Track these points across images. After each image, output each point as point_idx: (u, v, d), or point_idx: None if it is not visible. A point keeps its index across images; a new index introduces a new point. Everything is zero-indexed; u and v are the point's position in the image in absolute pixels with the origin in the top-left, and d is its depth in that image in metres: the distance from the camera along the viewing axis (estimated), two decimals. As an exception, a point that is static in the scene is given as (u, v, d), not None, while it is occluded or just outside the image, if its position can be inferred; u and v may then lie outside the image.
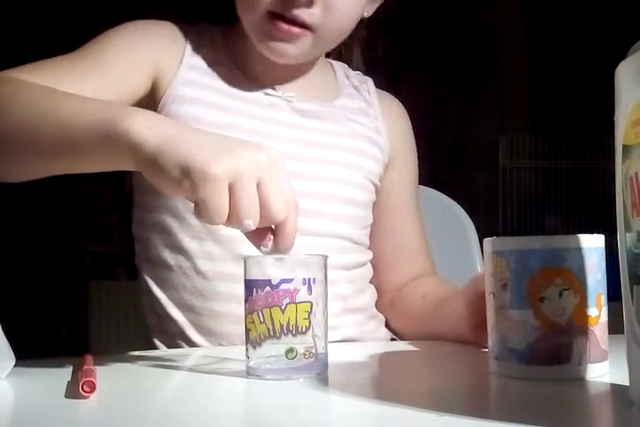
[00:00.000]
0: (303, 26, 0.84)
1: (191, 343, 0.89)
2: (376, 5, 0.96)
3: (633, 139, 0.46)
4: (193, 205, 0.59)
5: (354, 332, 0.92)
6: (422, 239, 1.05)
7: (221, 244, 0.87)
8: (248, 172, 0.58)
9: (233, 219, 0.58)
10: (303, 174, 0.91)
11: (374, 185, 0.99)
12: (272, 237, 0.62)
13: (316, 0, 0.83)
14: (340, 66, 1.05)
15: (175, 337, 0.89)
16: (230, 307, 0.87)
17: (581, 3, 2.95)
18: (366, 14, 0.94)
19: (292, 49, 0.87)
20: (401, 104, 1.09)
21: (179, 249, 0.89)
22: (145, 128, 0.61)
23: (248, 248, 0.86)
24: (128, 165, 0.63)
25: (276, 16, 0.84)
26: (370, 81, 1.06)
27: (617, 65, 0.48)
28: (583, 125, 2.68)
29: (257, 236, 0.62)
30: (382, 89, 1.08)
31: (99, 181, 2.80)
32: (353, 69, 1.07)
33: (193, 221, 0.87)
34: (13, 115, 0.69)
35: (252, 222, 0.59)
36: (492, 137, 2.94)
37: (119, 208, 2.82)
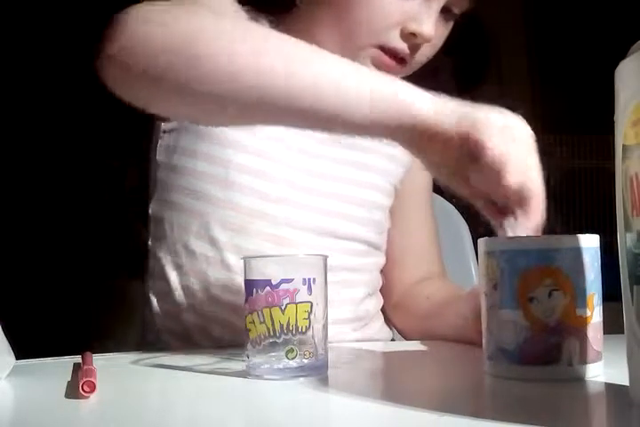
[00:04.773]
0: (403, 61, 0.86)
1: (204, 333, 0.87)
2: None
3: (633, 139, 0.46)
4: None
5: (356, 335, 0.92)
6: (433, 242, 1.05)
7: (252, 240, 0.86)
8: (524, 135, 0.62)
9: (500, 172, 0.60)
10: (337, 177, 0.92)
11: (395, 189, 0.99)
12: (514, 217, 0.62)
13: (432, 39, 0.84)
14: None
15: (186, 327, 0.88)
16: None
17: (582, 2, 2.95)
18: None
19: None
20: None
21: (207, 238, 0.87)
22: (423, 95, 0.62)
23: (276, 248, 0.86)
24: (397, 130, 0.62)
25: (386, 50, 0.85)
26: None
27: (617, 65, 0.48)
28: (583, 125, 2.68)
29: (499, 213, 0.63)
30: None
31: (99, 181, 2.80)
32: None
33: (227, 211, 0.86)
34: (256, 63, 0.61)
35: (517, 181, 0.60)
36: (492, 137, 2.93)
37: (120, 209, 2.82)
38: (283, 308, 0.58)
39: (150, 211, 0.93)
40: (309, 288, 0.59)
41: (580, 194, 2.84)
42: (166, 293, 0.90)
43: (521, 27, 3.17)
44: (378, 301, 1.00)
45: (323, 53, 0.64)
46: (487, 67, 3.17)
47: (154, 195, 0.93)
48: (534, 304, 0.57)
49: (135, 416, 0.49)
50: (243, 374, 0.60)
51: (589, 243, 0.58)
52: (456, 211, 1.26)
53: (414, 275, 1.02)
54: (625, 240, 0.47)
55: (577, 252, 0.57)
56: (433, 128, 0.61)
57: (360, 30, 0.85)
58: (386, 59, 0.85)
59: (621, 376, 0.51)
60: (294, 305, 0.58)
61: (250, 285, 0.60)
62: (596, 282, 0.58)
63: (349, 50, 0.84)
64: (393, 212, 1.01)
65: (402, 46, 0.85)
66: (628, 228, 0.47)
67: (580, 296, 0.57)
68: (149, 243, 0.93)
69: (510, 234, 0.62)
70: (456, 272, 1.18)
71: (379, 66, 0.85)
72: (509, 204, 0.62)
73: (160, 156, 0.92)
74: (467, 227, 1.24)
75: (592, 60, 2.56)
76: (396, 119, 0.61)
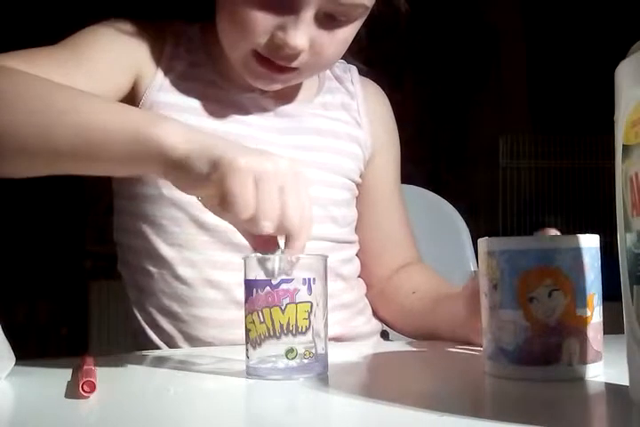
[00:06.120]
0: (288, 69, 0.84)
1: (176, 348, 0.88)
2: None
3: (633, 139, 0.46)
4: (214, 201, 0.60)
5: (340, 329, 0.92)
6: (406, 230, 1.05)
7: (199, 251, 0.88)
8: (273, 174, 0.59)
9: (252, 218, 0.59)
10: None
11: (354, 182, 0.99)
12: (280, 248, 0.62)
13: (303, 50, 0.82)
14: None
15: (156, 343, 0.89)
16: (212, 312, 0.87)
17: (581, 2, 2.95)
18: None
19: (276, 85, 0.88)
20: (382, 92, 1.07)
21: (157, 256, 0.89)
22: (176, 133, 0.62)
23: (226, 255, 0.87)
24: (151, 167, 0.63)
25: (261, 57, 0.83)
26: (354, 69, 1.05)
27: (617, 65, 0.48)
28: (583, 125, 2.68)
29: (263, 243, 0.62)
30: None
31: (99, 181, 2.79)
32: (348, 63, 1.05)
33: (170, 228, 0.88)
34: (24, 110, 0.67)
35: (269, 225, 0.59)
36: (492, 137, 2.94)
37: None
38: (283, 308, 0.58)
39: (114, 238, 0.96)
40: (309, 288, 0.59)
41: (580, 194, 2.85)
42: (132, 314, 0.92)
43: (521, 27, 3.17)
44: (357, 291, 0.99)
45: (89, 98, 0.70)
46: (487, 67, 3.17)
47: (115, 222, 0.96)
48: (534, 304, 0.57)
49: (135, 416, 0.49)
50: (243, 374, 0.60)
51: (589, 243, 0.58)
52: (456, 211, 1.26)
53: (393, 263, 1.02)
54: (625, 240, 0.47)
55: (577, 252, 0.57)
56: (183, 169, 0.61)
57: (233, 36, 0.85)
58: (257, 66, 0.84)
59: (621, 376, 0.51)
60: (294, 305, 0.58)
61: (250, 285, 0.60)
62: (596, 282, 0.58)
63: (236, 55, 0.86)
64: (361, 203, 1.01)
65: (273, 55, 0.83)
66: (628, 228, 0.47)
67: (579, 296, 0.57)
68: (118, 267, 0.96)
69: (275, 264, 0.60)
70: (456, 272, 1.18)
71: (255, 72, 0.86)
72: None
73: (113, 183, 0.95)
74: (466, 227, 1.24)
75: (592, 60, 2.56)
76: (143, 156, 0.63)
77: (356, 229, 1.01)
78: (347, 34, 0.86)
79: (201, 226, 0.88)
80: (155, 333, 0.90)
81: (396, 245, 1.03)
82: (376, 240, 1.03)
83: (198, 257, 0.88)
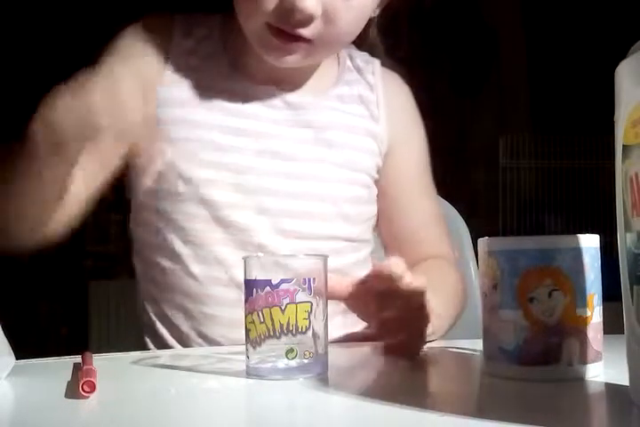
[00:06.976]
0: (302, 39, 0.82)
1: (182, 345, 0.89)
2: (383, 5, 0.92)
3: (633, 139, 0.46)
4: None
5: (343, 333, 0.90)
6: (429, 227, 0.99)
7: (212, 249, 0.88)
8: None
9: None
10: (293, 174, 0.89)
11: (371, 178, 0.96)
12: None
13: (315, 17, 0.80)
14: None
15: (165, 338, 0.89)
16: (222, 311, 0.87)
17: (582, 2, 2.95)
18: (373, 15, 0.91)
19: (291, 58, 0.85)
20: (403, 83, 1.03)
21: (172, 252, 0.88)
22: None
23: (238, 253, 0.86)
24: None
25: (274, 28, 0.82)
26: (376, 61, 1.01)
27: (617, 65, 0.48)
28: (583, 125, 2.68)
29: None
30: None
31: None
32: (372, 53, 1.02)
33: (185, 224, 0.88)
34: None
35: None
36: (492, 137, 2.94)
37: (120, 208, 2.81)
38: (283, 308, 0.58)
39: (129, 231, 0.96)
40: (309, 288, 0.59)
41: (580, 194, 2.85)
42: (142, 308, 0.92)
43: (521, 27, 3.17)
44: None
45: None
46: (487, 67, 3.17)
47: (130, 214, 0.95)
48: (534, 304, 0.57)
49: (135, 416, 0.49)
50: (243, 374, 0.60)
51: (589, 243, 0.58)
52: (455, 211, 1.25)
53: (408, 261, 0.99)
54: (625, 240, 0.47)
55: (577, 252, 0.57)
56: None
57: (246, 8, 0.83)
58: (271, 38, 0.82)
59: (621, 376, 0.51)
60: (294, 305, 0.58)
61: (250, 285, 0.60)
62: (596, 282, 0.58)
63: (251, 29, 0.84)
64: (380, 202, 0.98)
65: (285, 22, 0.80)
66: (628, 228, 0.47)
67: (580, 296, 0.57)
68: (133, 259, 0.96)
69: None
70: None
71: (270, 45, 0.84)
72: None
73: (130, 178, 0.94)
74: (466, 227, 1.24)
75: (592, 60, 2.56)
76: None
77: (376, 226, 0.99)
78: (363, 1, 0.84)
79: (216, 223, 0.87)
80: (165, 327, 0.89)
81: (415, 243, 0.98)
82: (395, 237, 0.99)
83: (211, 255, 0.88)
